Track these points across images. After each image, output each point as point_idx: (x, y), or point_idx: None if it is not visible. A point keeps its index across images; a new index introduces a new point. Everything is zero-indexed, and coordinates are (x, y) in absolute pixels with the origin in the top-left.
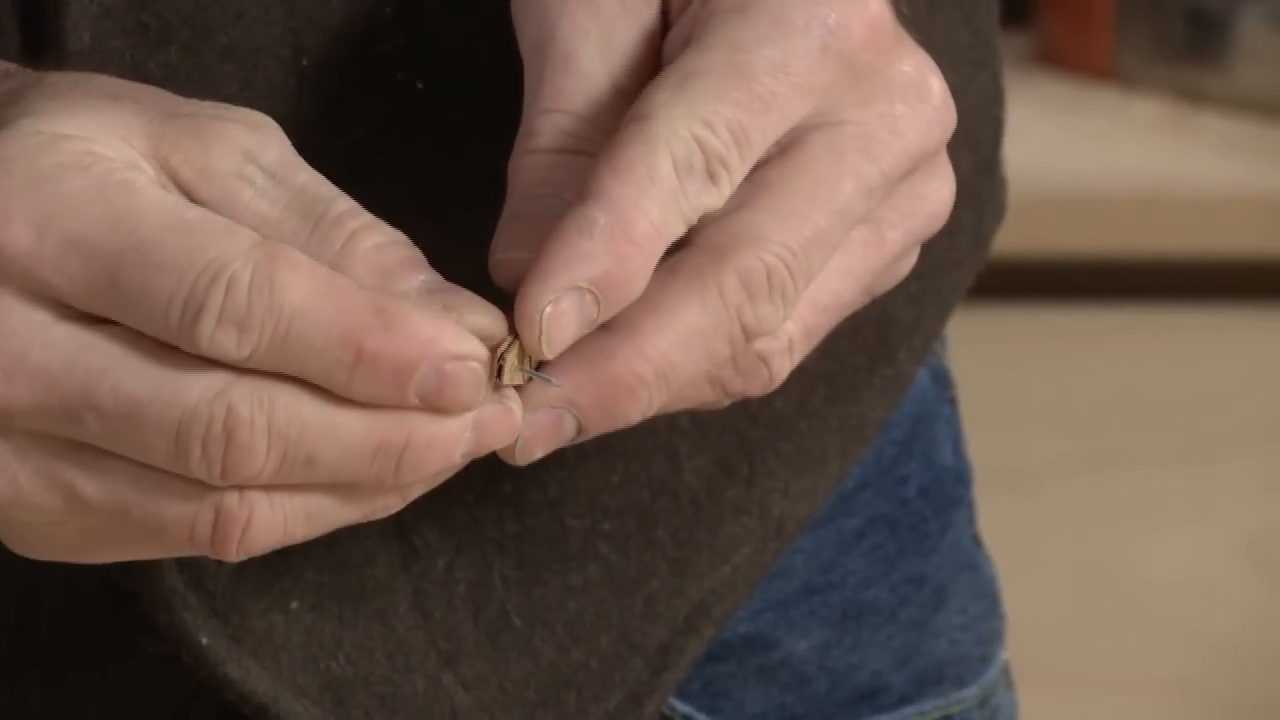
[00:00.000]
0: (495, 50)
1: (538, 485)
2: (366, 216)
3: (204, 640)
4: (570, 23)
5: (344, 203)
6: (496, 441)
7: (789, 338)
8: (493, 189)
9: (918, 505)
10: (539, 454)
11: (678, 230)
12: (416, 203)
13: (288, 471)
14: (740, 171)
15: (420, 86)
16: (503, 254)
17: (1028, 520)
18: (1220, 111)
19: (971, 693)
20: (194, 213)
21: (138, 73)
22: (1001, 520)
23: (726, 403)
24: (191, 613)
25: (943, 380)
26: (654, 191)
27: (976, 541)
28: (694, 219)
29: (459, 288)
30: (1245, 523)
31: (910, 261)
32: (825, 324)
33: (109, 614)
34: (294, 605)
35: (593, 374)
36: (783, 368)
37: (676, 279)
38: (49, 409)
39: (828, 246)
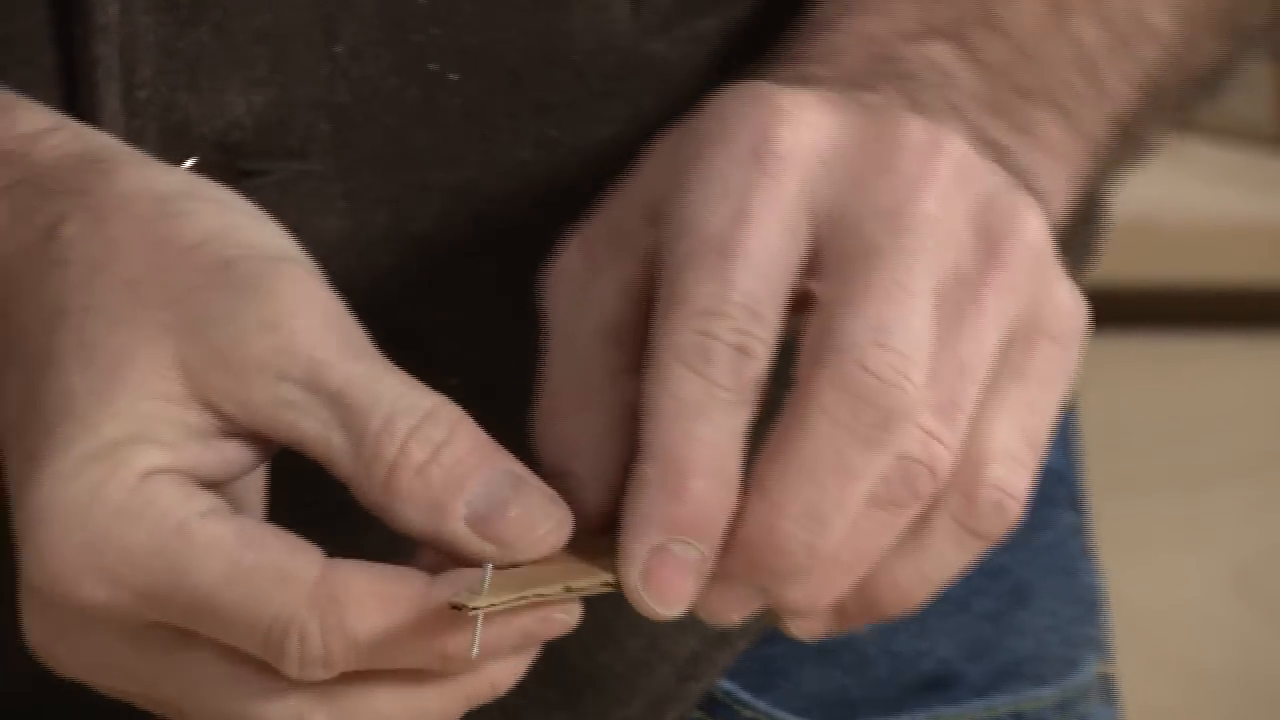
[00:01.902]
0: (528, 43)
1: None
2: (403, 425)
3: None
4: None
5: (379, 411)
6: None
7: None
8: (524, 180)
9: None
10: (736, 618)
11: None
12: (448, 192)
13: None
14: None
15: (454, 78)
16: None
17: None
18: (1210, 140)
19: (1050, 693)
20: (250, 557)
21: (165, 50)
22: None
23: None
24: None
25: None
26: (694, 413)
27: (1085, 553)
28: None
29: (509, 496)
30: (1235, 551)
31: None
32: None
33: None
34: None
35: (731, 542)
36: (1010, 484)
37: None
38: (144, 698)
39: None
